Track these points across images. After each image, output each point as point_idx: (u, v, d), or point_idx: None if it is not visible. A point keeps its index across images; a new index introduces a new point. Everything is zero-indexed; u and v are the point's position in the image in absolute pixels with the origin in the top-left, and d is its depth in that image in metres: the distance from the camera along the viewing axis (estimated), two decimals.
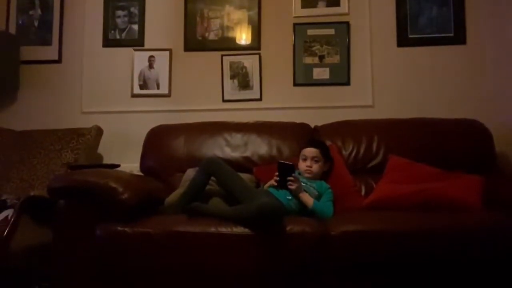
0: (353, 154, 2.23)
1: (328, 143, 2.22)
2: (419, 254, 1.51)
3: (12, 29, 2.80)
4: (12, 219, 1.77)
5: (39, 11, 2.83)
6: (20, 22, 2.81)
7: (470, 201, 1.76)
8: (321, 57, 2.67)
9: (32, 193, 2.14)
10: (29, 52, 2.77)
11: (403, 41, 2.64)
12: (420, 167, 2.04)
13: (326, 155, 2.04)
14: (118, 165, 2.23)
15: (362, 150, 2.23)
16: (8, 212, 1.92)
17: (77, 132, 2.44)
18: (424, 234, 1.52)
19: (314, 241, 1.54)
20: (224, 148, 2.29)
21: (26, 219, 1.93)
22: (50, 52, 2.78)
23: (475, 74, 2.57)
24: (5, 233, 1.72)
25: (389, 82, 2.63)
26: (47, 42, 2.79)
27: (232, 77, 2.71)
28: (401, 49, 2.64)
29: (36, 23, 2.82)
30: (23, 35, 2.79)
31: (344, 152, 2.24)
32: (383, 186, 2.00)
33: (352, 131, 2.30)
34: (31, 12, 2.82)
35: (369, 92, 2.63)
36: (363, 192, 2.11)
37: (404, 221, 1.60)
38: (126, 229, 1.62)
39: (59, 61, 2.78)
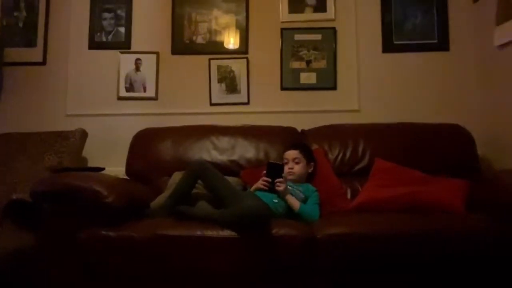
0: (340, 157, 2.25)
1: (315, 146, 2.23)
2: (404, 256, 1.53)
3: None
4: None
5: (24, 13, 2.78)
6: (4, 23, 2.77)
7: (453, 204, 1.78)
8: (308, 62, 2.70)
9: (14, 197, 2.09)
10: (13, 53, 2.72)
11: (388, 47, 2.69)
12: (405, 171, 2.07)
13: (307, 156, 2.06)
14: (103, 168, 2.20)
15: (348, 154, 2.26)
16: None
17: (61, 135, 2.40)
18: (409, 237, 1.54)
19: (300, 244, 1.54)
20: (211, 152, 2.29)
21: (9, 223, 1.89)
22: (35, 54, 2.74)
23: (458, 80, 2.63)
24: None
25: (375, 87, 2.67)
26: (31, 43, 2.75)
27: (220, 80, 2.71)
28: (386, 55, 2.69)
29: (20, 24, 2.78)
30: (7, 36, 2.74)
31: (330, 156, 2.26)
32: (369, 189, 2.02)
33: (338, 135, 2.32)
34: (15, 14, 2.78)
35: (355, 97, 2.66)
36: (349, 195, 2.12)
37: (389, 224, 1.61)
38: (110, 233, 1.60)
39: (43, 63, 2.74)
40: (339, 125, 2.39)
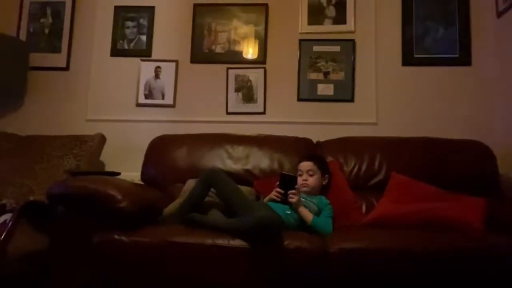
0: (355, 170, 2.22)
1: (330, 158, 2.21)
2: (419, 274, 1.48)
3: (23, 36, 2.86)
4: (10, 223, 1.77)
5: (50, 19, 2.88)
6: (31, 29, 2.87)
7: (472, 222, 1.73)
8: (326, 73, 2.69)
9: (31, 198, 2.14)
10: (38, 58, 2.81)
11: (408, 60, 2.65)
12: (422, 186, 2.02)
13: (322, 168, 2.03)
14: (119, 173, 2.23)
15: (364, 167, 2.22)
16: (7, 217, 1.91)
17: (80, 139, 2.45)
18: (425, 254, 1.50)
19: (312, 257, 1.51)
20: (226, 160, 2.29)
21: (25, 224, 1.92)
22: (59, 59, 2.83)
23: (480, 95, 2.57)
24: (2, 237, 1.71)
25: (393, 100, 2.63)
26: (56, 49, 2.84)
27: (237, 90, 2.72)
28: (406, 68, 2.65)
29: (46, 31, 2.87)
30: (33, 42, 2.84)
31: (345, 169, 2.22)
32: (385, 204, 1.98)
33: (354, 148, 2.29)
34: (42, 20, 2.88)
35: (373, 110, 2.63)
36: (364, 210, 2.09)
37: (404, 240, 1.57)
38: (123, 237, 1.61)
39: (67, 68, 2.82)
40: (355, 137, 2.36)
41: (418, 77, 2.64)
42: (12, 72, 2.62)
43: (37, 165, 2.37)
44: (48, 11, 2.88)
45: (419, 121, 2.57)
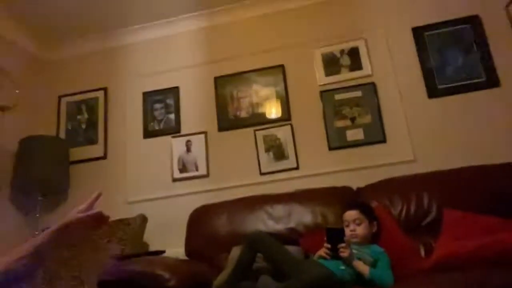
0: (404, 212, 2.11)
1: (374, 203, 2.12)
2: None
3: (62, 134, 3.08)
4: None
5: (85, 115, 3.11)
6: (69, 127, 3.09)
7: None
8: (353, 119, 2.69)
9: None
10: (78, 152, 2.99)
11: (433, 92, 2.62)
12: (480, 219, 1.87)
13: (368, 214, 1.93)
14: (164, 251, 2.22)
15: (412, 207, 2.11)
16: None
17: (123, 222, 2.49)
18: None
19: None
20: (267, 222, 2.25)
21: None
22: (97, 150, 3.00)
23: None
24: None
25: (427, 134, 2.56)
26: (93, 141, 3.03)
27: (267, 150, 2.75)
28: (432, 100, 2.61)
29: (83, 126, 3.09)
30: (72, 137, 3.05)
31: (393, 212, 2.11)
32: (445, 243, 1.82)
33: (398, 188, 2.20)
34: (78, 117, 3.11)
35: (409, 147, 2.56)
36: (422, 253, 1.94)
37: (481, 283, 1.42)
38: None
39: (104, 157, 2.98)
40: (397, 177, 2.27)
41: (446, 107, 2.58)
42: (56, 170, 2.78)
43: (84, 255, 2.40)
44: (83, 107, 3.12)
45: (458, 151, 2.46)
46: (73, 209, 0.89)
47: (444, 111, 2.58)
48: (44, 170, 2.68)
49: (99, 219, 0.93)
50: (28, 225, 2.79)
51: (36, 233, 2.67)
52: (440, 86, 2.62)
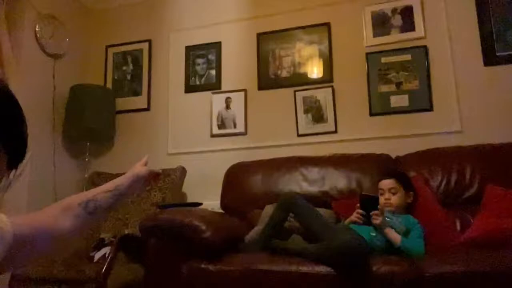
0: (443, 185, 2.06)
1: (413, 174, 2.08)
2: None
3: (109, 84, 3.19)
4: (110, 257, 1.93)
5: (131, 66, 3.19)
6: (116, 77, 3.20)
7: None
8: (398, 84, 2.57)
9: (126, 232, 2.32)
10: (123, 102, 3.11)
11: (490, 59, 2.43)
12: None
13: (405, 184, 1.91)
14: (201, 204, 2.33)
15: (453, 181, 2.05)
16: (106, 250, 2.10)
17: (164, 173, 2.60)
18: None
19: (404, 283, 1.42)
20: (301, 183, 2.28)
21: (122, 256, 2.09)
22: (140, 102, 3.09)
23: None
24: (103, 270, 1.87)
25: (478, 105, 2.41)
26: (137, 93, 3.12)
27: (306, 111, 2.72)
28: (489, 68, 2.43)
29: (128, 77, 3.18)
30: (117, 88, 3.16)
31: (432, 184, 2.07)
32: (483, 220, 1.79)
33: (440, 160, 2.13)
34: (124, 68, 3.20)
35: (456, 117, 2.43)
36: (458, 227, 1.91)
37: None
38: (209, 266, 1.67)
39: (148, 109, 3.08)
40: (440, 148, 2.19)
41: (504, 76, 2.39)
42: (104, 118, 2.93)
43: (129, 199, 2.57)
44: (129, 59, 3.19)
45: (509, 126, 2.31)
46: (137, 162, 1.09)
47: (499, 81, 2.40)
48: (92, 118, 2.82)
49: (156, 177, 1.10)
50: (78, 168, 3.00)
51: (86, 176, 2.88)
52: (499, 53, 2.42)
